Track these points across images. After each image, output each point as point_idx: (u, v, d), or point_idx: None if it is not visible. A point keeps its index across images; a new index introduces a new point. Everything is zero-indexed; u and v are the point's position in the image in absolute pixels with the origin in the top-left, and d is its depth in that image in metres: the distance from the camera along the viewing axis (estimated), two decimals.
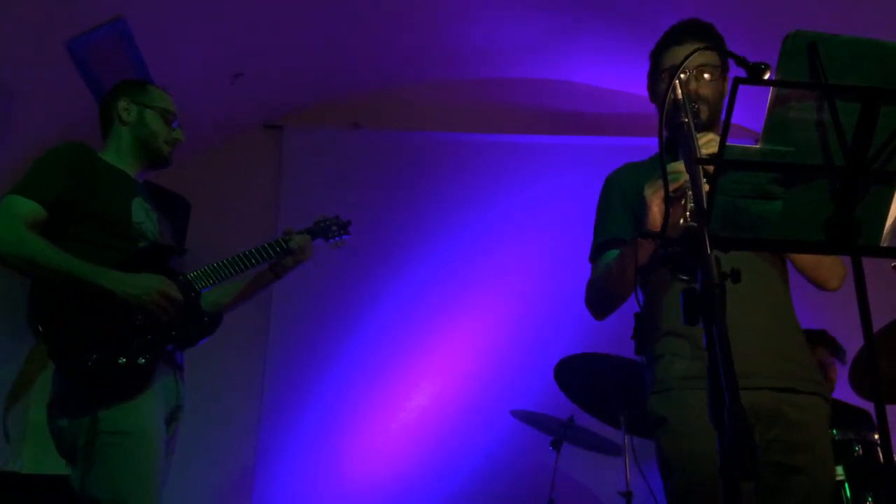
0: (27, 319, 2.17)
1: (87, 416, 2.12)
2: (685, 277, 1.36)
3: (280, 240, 2.61)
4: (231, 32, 4.20)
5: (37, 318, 2.16)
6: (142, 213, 2.40)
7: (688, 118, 1.54)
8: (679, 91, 1.59)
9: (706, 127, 1.98)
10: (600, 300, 2.13)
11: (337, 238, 2.90)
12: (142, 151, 2.49)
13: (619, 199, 2.16)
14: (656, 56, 2.16)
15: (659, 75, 2.13)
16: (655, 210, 1.86)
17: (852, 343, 3.79)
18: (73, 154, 2.34)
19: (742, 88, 1.31)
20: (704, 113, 2.00)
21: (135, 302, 2.19)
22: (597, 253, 2.17)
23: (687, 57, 1.57)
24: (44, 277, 2.17)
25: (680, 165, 1.72)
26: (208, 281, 2.44)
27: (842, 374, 3.77)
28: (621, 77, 4.96)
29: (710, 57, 2.06)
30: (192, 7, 3.89)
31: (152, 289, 2.21)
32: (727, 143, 1.34)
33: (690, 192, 1.61)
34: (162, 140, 2.50)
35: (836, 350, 3.81)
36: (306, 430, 4.43)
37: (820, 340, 3.77)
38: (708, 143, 1.75)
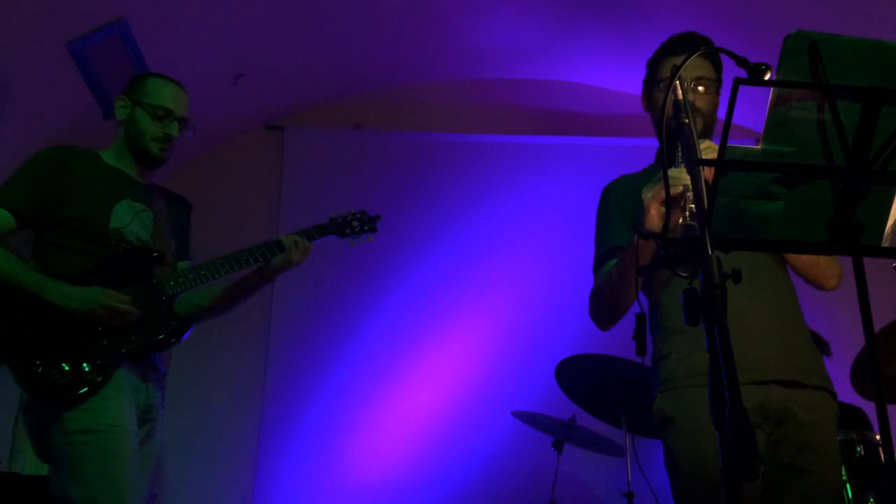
0: None
1: (54, 418, 2.13)
2: (684, 274, 1.36)
3: (271, 242, 2.48)
4: (232, 33, 4.20)
5: None
6: (126, 217, 2.37)
7: (688, 119, 1.54)
8: (680, 92, 1.59)
9: (700, 136, 1.98)
10: (604, 309, 2.12)
11: (364, 235, 2.72)
12: (133, 150, 2.45)
13: (617, 209, 2.18)
14: (653, 65, 2.18)
15: (655, 84, 2.15)
16: (653, 213, 1.86)
17: (852, 343, 3.79)
18: (47, 161, 2.34)
19: (743, 89, 1.31)
20: (699, 124, 2.02)
21: (79, 316, 2.18)
22: (598, 263, 2.18)
23: (687, 58, 1.57)
24: None
25: (681, 172, 1.72)
26: (186, 284, 2.37)
27: (829, 369, 3.77)
28: (621, 77, 4.96)
29: (707, 70, 2.08)
30: (193, 8, 3.90)
31: (94, 303, 2.18)
32: (728, 144, 1.34)
33: (689, 195, 1.61)
34: (149, 138, 2.42)
35: (820, 345, 3.80)
36: (307, 431, 4.43)
37: None
38: (706, 150, 1.75)
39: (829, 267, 2.07)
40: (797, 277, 2.11)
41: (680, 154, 1.79)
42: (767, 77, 1.43)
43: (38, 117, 3.76)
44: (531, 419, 3.66)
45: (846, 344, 3.84)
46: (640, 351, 1.81)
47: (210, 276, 2.39)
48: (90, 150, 2.47)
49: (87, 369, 2.17)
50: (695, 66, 2.05)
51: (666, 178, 1.51)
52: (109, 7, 3.62)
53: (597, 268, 2.19)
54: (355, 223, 2.70)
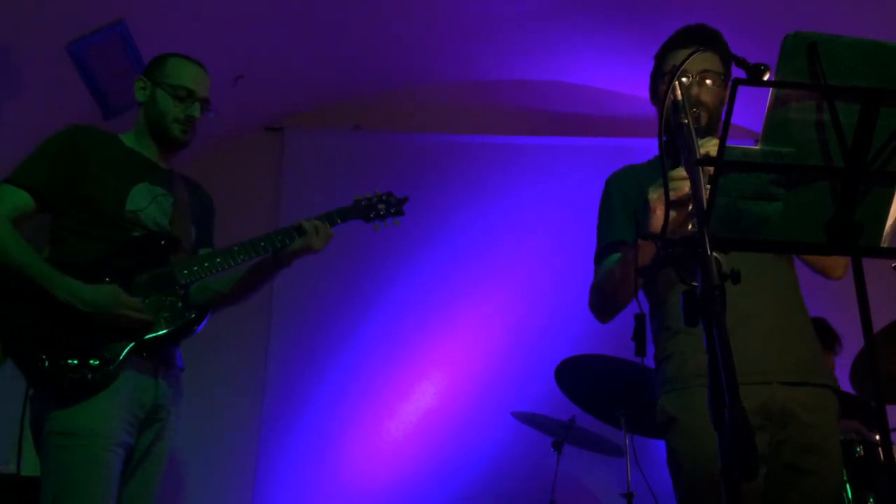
0: None
1: (44, 416, 2.08)
2: (695, 284, 1.35)
3: (291, 227, 2.37)
4: (231, 35, 4.20)
5: None
6: (143, 200, 2.30)
7: (687, 119, 1.54)
8: (679, 92, 1.59)
9: (705, 132, 1.98)
10: (603, 304, 2.13)
11: (388, 220, 2.58)
12: (154, 133, 2.38)
13: (620, 202, 2.17)
14: (660, 58, 2.17)
15: (661, 77, 2.14)
16: (659, 214, 1.85)
17: (852, 342, 3.80)
18: (64, 140, 2.27)
19: (742, 89, 1.31)
20: (704, 118, 2.01)
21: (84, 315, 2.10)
22: (600, 256, 2.18)
23: (687, 58, 1.57)
24: (4, 270, 2.12)
25: (683, 173, 1.72)
26: (200, 273, 2.27)
27: (838, 364, 3.76)
28: (620, 78, 4.96)
29: (713, 63, 2.06)
30: (192, 10, 3.90)
31: (105, 307, 2.10)
32: (727, 144, 1.34)
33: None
34: (170, 119, 2.34)
35: (832, 340, 3.78)
36: (307, 431, 4.43)
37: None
38: (711, 148, 1.75)
39: (837, 258, 2.06)
40: (802, 273, 2.11)
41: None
42: (766, 78, 1.43)
43: (39, 119, 3.76)
44: (531, 420, 3.66)
45: (846, 344, 3.85)
46: (640, 352, 1.82)
47: (226, 265, 2.30)
48: (109, 132, 2.40)
49: (94, 365, 2.09)
50: (701, 59, 2.02)
51: (665, 180, 1.50)
52: (109, 8, 3.62)
53: (598, 260, 2.19)
54: (381, 206, 2.58)
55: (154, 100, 2.37)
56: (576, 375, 3.41)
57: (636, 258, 1.82)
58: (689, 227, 1.59)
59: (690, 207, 1.64)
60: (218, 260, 2.30)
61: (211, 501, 4.36)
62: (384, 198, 2.60)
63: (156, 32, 3.83)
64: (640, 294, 1.84)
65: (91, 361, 2.10)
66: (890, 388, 3.08)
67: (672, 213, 1.77)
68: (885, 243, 1.46)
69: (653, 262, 1.93)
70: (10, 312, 2.12)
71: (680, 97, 1.56)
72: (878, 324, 2.26)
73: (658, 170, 2.09)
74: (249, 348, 4.59)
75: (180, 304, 2.28)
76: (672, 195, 1.69)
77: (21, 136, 3.70)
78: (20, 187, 2.19)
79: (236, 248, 2.32)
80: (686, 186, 1.71)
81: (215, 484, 4.37)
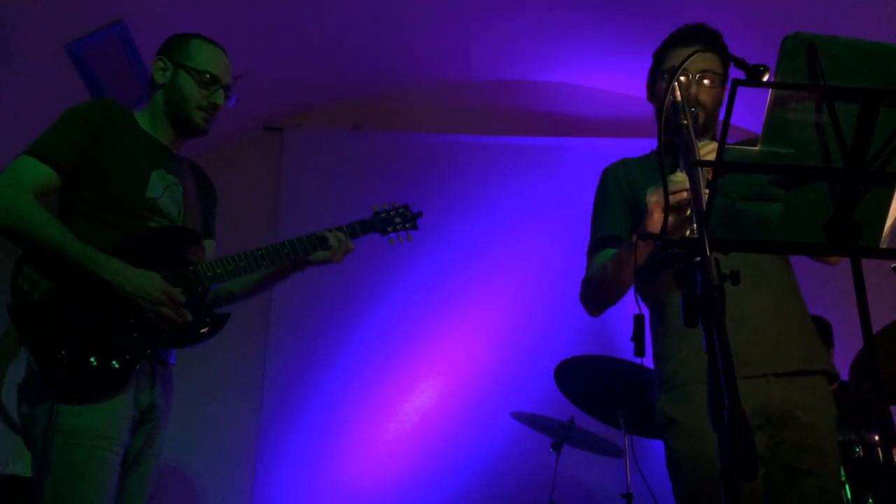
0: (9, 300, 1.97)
1: (47, 406, 1.95)
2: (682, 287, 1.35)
3: (314, 236, 2.33)
4: (230, 35, 4.19)
5: (15, 300, 1.97)
6: (160, 188, 2.18)
7: (687, 120, 1.54)
8: (678, 93, 1.59)
9: (702, 131, 2.00)
10: (595, 298, 2.14)
11: (402, 233, 2.59)
12: (173, 118, 2.25)
13: (616, 194, 2.17)
14: (659, 56, 2.17)
15: (660, 75, 2.14)
16: (656, 217, 1.86)
17: (852, 343, 3.79)
18: (89, 113, 2.15)
19: (741, 90, 1.31)
20: (701, 118, 2.02)
21: (127, 299, 1.99)
22: (593, 249, 2.19)
23: (686, 58, 1.57)
24: (36, 253, 1.99)
25: (683, 177, 1.72)
26: (224, 276, 2.20)
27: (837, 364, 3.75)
28: (620, 79, 4.97)
29: (712, 63, 2.06)
30: (191, 10, 3.90)
31: (150, 295, 2.00)
32: (727, 145, 1.34)
33: None
34: (193, 106, 2.23)
35: (826, 338, 3.78)
36: (306, 431, 4.43)
37: None
38: (709, 154, 1.75)
39: None
40: (802, 273, 2.12)
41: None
42: (766, 78, 1.44)
43: (38, 119, 3.75)
44: (530, 420, 3.66)
45: (845, 344, 3.85)
46: (639, 352, 1.82)
47: (249, 269, 2.24)
48: (128, 111, 2.26)
49: (116, 367, 1.98)
50: (701, 59, 2.03)
51: (665, 182, 1.51)
52: (109, 8, 3.62)
53: (591, 253, 2.19)
54: (398, 220, 2.59)
55: (176, 83, 2.25)
56: (575, 376, 3.41)
57: (634, 258, 1.82)
58: (688, 232, 1.59)
59: (688, 212, 1.64)
60: (242, 264, 2.23)
61: (211, 501, 4.36)
62: (401, 211, 2.62)
63: (156, 32, 3.82)
64: (639, 295, 1.84)
65: (114, 362, 2.00)
66: (890, 388, 3.08)
67: (670, 218, 1.77)
68: (884, 244, 1.47)
69: (649, 262, 1.93)
70: (32, 300, 1.98)
71: (679, 98, 1.56)
72: (878, 324, 2.26)
73: (655, 166, 2.09)
74: (249, 348, 4.59)
75: (202, 307, 2.19)
76: (671, 199, 1.69)
77: (20, 137, 3.70)
78: (43, 161, 2.04)
79: (261, 251, 2.26)
80: (684, 192, 1.71)
81: (215, 484, 4.38)
